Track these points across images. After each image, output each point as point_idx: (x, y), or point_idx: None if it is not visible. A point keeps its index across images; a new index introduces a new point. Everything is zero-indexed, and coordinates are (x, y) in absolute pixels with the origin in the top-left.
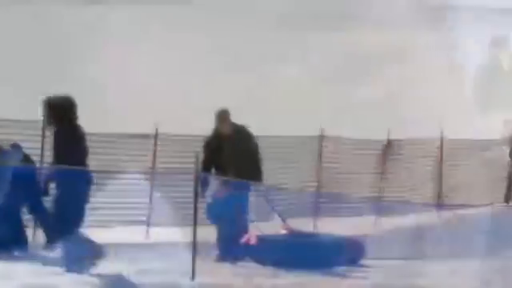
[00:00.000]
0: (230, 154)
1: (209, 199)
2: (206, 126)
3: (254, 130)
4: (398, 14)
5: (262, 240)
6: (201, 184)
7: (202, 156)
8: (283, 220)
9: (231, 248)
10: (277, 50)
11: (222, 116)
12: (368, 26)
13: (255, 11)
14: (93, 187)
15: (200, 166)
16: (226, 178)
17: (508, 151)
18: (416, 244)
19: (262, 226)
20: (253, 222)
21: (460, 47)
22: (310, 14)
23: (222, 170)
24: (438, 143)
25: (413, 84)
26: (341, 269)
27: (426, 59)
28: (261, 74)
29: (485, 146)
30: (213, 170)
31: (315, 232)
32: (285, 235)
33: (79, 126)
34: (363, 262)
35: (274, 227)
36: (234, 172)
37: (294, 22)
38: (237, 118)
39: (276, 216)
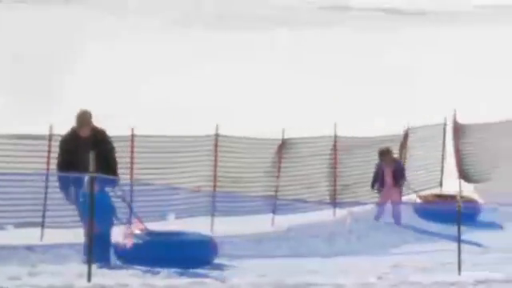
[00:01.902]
0: (85, 156)
1: (81, 198)
2: (104, 126)
3: (152, 129)
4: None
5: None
6: (61, 186)
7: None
8: (139, 220)
9: (105, 248)
10: (183, 49)
11: (82, 119)
12: (272, 26)
13: (160, 10)
14: None
15: (57, 166)
16: (96, 176)
17: (398, 148)
18: (311, 241)
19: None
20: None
21: (355, 48)
22: (215, 14)
23: (76, 171)
24: (332, 142)
25: (308, 83)
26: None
27: (326, 59)
28: (164, 72)
29: (375, 143)
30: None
31: (176, 231)
32: (147, 234)
33: None
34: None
35: (167, 226)
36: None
37: (200, 21)
38: (132, 117)
39: (170, 215)
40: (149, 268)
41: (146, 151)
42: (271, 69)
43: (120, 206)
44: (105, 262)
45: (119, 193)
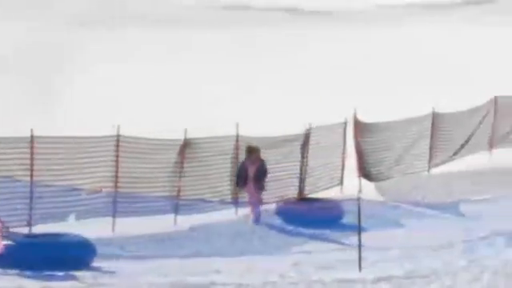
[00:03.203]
0: None
1: None
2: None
3: (53, 130)
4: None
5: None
6: None
7: None
8: (1, 222)
9: None
10: (86, 49)
11: None
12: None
13: (49, 10)
14: None
15: None
16: None
17: (299, 148)
18: (214, 241)
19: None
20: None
21: (257, 48)
22: (114, 14)
23: None
24: (235, 141)
25: (211, 83)
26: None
27: (221, 58)
28: (55, 73)
29: (279, 142)
30: None
31: (54, 233)
32: (22, 236)
33: None
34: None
35: (67, 227)
36: None
37: (89, 21)
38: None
39: (71, 216)
40: (47, 271)
41: (46, 152)
42: (173, 69)
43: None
44: None
45: None
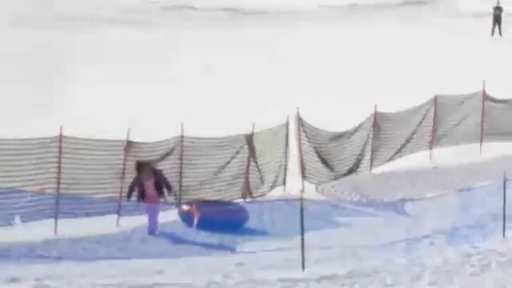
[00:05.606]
0: None
1: None
2: None
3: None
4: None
5: None
6: None
7: None
8: None
9: None
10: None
11: None
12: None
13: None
14: None
15: None
16: None
17: (246, 148)
18: (158, 242)
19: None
20: None
21: (201, 48)
22: (55, 14)
23: None
24: (180, 142)
25: (156, 84)
26: None
27: (176, 60)
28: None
29: (224, 143)
30: None
31: None
32: None
33: None
34: None
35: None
36: None
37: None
38: None
39: (16, 219)
40: None
41: None
42: (115, 70)
43: None
44: None
45: None
